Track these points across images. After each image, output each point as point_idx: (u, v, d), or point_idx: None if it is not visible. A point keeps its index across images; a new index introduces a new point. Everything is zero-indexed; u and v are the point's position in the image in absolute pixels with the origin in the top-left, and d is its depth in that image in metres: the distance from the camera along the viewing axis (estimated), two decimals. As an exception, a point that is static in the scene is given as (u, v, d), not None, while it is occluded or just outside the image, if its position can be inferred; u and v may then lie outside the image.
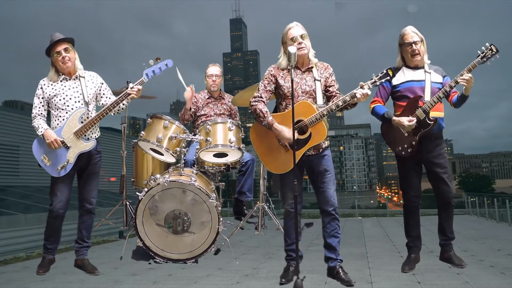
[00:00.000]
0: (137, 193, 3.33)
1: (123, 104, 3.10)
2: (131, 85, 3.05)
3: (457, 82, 2.78)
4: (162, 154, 3.57)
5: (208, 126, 3.48)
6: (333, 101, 2.65)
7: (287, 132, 2.60)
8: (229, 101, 4.39)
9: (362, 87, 2.55)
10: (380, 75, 2.58)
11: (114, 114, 3.12)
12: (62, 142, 2.95)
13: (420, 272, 2.83)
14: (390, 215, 14.68)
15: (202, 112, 4.28)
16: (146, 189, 3.27)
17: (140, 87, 3.03)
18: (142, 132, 3.51)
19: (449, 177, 2.94)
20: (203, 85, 4.48)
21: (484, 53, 2.75)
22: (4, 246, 5.53)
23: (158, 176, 3.39)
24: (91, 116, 3.01)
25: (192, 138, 3.46)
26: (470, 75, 2.75)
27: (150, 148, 3.57)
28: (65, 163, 2.96)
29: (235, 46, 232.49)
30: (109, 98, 3.15)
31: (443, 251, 3.05)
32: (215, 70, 4.34)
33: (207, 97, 4.34)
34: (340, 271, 2.62)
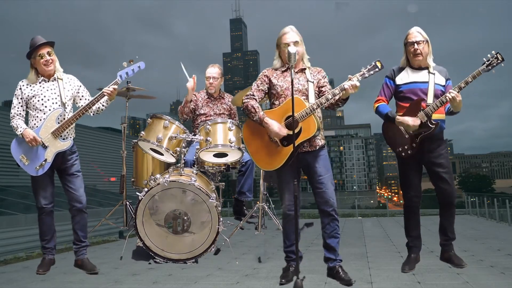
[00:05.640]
0: (137, 193, 3.33)
1: (102, 106, 3.14)
2: (107, 86, 3.08)
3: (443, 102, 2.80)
4: (162, 154, 3.57)
5: (208, 126, 3.48)
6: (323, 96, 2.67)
7: (276, 126, 2.63)
8: (229, 101, 4.37)
9: (350, 80, 2.56)
10: (368, 67, 2.60)
11: (93, 114, 3.16)
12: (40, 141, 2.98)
13: (420, 272, 2.83)
14: (390, 215, 14.70)
15: (202, 112, 4.25)
16: (146, 189, 3.27)
17: (115, 87, 3.08)
18: (142, 132, 3.51)
19: (451, 177, 2.93)
20: (203, 85, 4.45)
21: (489, 61, 2.75)
22: (4, 246, 5.52)
23: (158, 176, 3.39)
24: (68, 117, 3.04)
25: (192, 138, 3.46)
26: (455, 92, 2.74)
27: (150, 148, 3.57)
28: (43, 162, 2.99)
29: (235, 46, 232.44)
30: (87, 99, 3.17)
31: (443, 251, 3.05)
32: (213, 71, 4.27)
33: (206, 96, 4.31)
34: (340, 271, 2.62)
